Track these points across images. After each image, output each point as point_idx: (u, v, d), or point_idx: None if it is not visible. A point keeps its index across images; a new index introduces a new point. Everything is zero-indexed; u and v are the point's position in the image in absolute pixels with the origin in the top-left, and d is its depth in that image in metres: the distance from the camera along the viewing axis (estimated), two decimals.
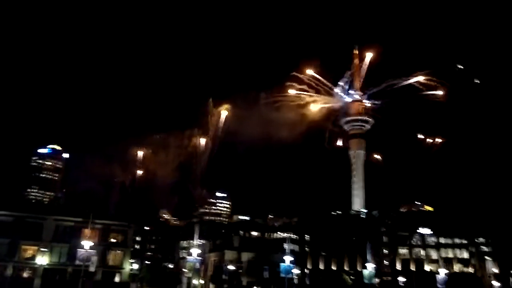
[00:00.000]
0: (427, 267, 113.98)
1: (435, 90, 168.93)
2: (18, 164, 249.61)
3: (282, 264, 67.50)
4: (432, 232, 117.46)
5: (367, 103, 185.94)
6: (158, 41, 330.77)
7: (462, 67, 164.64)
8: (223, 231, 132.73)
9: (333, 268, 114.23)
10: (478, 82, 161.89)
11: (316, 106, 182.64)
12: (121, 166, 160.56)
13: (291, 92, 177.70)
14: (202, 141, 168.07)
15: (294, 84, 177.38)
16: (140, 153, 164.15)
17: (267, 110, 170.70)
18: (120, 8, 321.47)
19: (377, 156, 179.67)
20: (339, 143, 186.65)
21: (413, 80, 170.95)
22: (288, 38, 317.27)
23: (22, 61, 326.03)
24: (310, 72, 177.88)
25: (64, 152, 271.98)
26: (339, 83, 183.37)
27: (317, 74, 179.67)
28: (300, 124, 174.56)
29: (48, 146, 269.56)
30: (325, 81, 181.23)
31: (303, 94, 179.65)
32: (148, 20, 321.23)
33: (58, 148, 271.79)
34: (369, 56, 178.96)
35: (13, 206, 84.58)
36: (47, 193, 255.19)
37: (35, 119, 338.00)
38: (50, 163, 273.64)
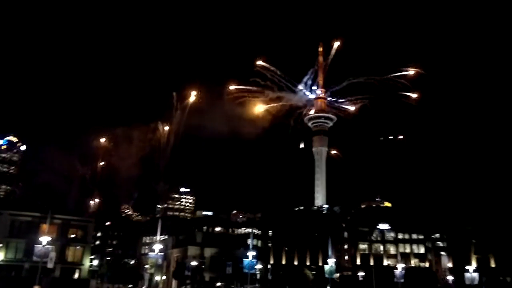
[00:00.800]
0: (386, 262, 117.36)
1: (409, 92, 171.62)
2: None
3: (245, 259, 67.57)
4: (390, 228, 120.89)
5: (331, 101, 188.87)
6: (123, 33, 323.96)
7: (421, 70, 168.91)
8: (186, 226, 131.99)
9: (295, 263, 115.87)
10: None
11: (262, 106, 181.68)
12: (81, 159, 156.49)
13: (232, 88, 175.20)
14: (165, 135, 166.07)
15: (258, 80, 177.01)
16: (101, 146, 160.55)
17: (230, 106, 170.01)
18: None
19: (339, 153, 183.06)
20: (302, 145, 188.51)
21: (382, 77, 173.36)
22: (254, 34, 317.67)
23: None
24: (270, 67, 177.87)
25: (21, 144, 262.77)
26: (306, 76, 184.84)
27: (280, 70, 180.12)
28: (263, 120, 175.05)
29: (4, 138, 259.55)
30: (289, 76, 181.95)
31: (244, 89, 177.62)
32: (111, 12, 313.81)
33: (15, 139, 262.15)
34: (333, 52, 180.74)
35: None
36: (3, 186, 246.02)
37: None
38: (5, 155, 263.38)
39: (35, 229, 73.81)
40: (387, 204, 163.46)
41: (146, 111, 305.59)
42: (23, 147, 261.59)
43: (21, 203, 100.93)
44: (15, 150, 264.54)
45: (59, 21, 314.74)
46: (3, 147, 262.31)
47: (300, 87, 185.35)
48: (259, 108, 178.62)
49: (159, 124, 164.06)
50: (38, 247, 57.44)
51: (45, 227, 67.55)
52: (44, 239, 57.30)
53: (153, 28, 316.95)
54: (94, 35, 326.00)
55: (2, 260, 74.67)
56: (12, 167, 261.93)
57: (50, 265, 59.13)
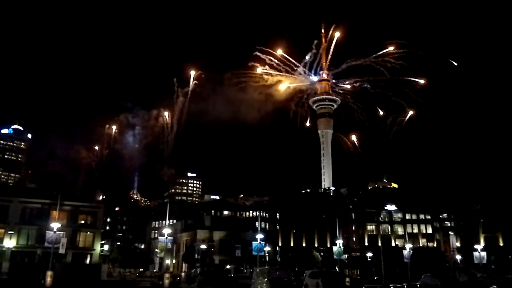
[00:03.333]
0: (394, 243, 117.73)
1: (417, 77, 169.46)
2: None
3: (254, 242, 68.05)
4: (398, 209, 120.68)
5: (334, 82, 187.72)
6: (125, 20, 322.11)
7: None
8: (194, 211, 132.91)
9: (304, 245, 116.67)
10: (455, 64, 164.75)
11: (284, 85, 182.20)
12: (87, 147, 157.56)
13: (258, 71, 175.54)
14: (169, 121, 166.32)
15: (257, 64, 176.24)
16: (106, 133, 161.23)
17: (233, 90, 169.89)
18: None
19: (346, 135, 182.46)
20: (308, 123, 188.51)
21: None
22: (253, 18, 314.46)
23: None
24: (278, 51, 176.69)
25: (28, 133, 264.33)
26: (305, 60, 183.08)
27: (283, 53, 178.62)
28: (266, 104, 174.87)
29: (10, 127, 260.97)
30: (290, 60, 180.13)
31: (267, 72, 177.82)
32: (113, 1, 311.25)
33: (21, 128, 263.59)
34: (336, 34, 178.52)
35: None
36: (12, 174, 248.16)
37: None
38: (13, 144, 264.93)
39: (45, 216, 74.62)
40: (394, 185, 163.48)
41: (148, 97, 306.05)
42: (29, 136, 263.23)
43: (31, 190, 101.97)
44: (22, 139, 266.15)
45: (60, 8, 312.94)
46: (10, 136, 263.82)
47: (303, 69, 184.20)
48: (282, 87, 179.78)
49: (161, 110, 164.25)
50: (49, 233, 58.01)
51: (55, 213, 68.25)
52: (55, 225, 57.96)
53: (153, 13, 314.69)
54: (96, 22, 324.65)
55: (14, 247, 75.68)
56: (20, 155, 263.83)
57: (62, 250, 59.78)
